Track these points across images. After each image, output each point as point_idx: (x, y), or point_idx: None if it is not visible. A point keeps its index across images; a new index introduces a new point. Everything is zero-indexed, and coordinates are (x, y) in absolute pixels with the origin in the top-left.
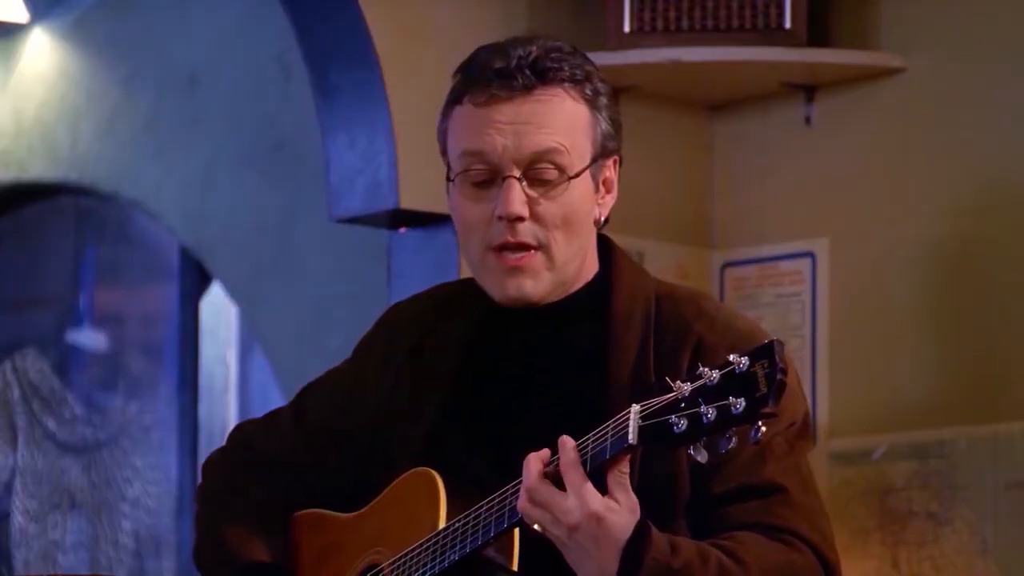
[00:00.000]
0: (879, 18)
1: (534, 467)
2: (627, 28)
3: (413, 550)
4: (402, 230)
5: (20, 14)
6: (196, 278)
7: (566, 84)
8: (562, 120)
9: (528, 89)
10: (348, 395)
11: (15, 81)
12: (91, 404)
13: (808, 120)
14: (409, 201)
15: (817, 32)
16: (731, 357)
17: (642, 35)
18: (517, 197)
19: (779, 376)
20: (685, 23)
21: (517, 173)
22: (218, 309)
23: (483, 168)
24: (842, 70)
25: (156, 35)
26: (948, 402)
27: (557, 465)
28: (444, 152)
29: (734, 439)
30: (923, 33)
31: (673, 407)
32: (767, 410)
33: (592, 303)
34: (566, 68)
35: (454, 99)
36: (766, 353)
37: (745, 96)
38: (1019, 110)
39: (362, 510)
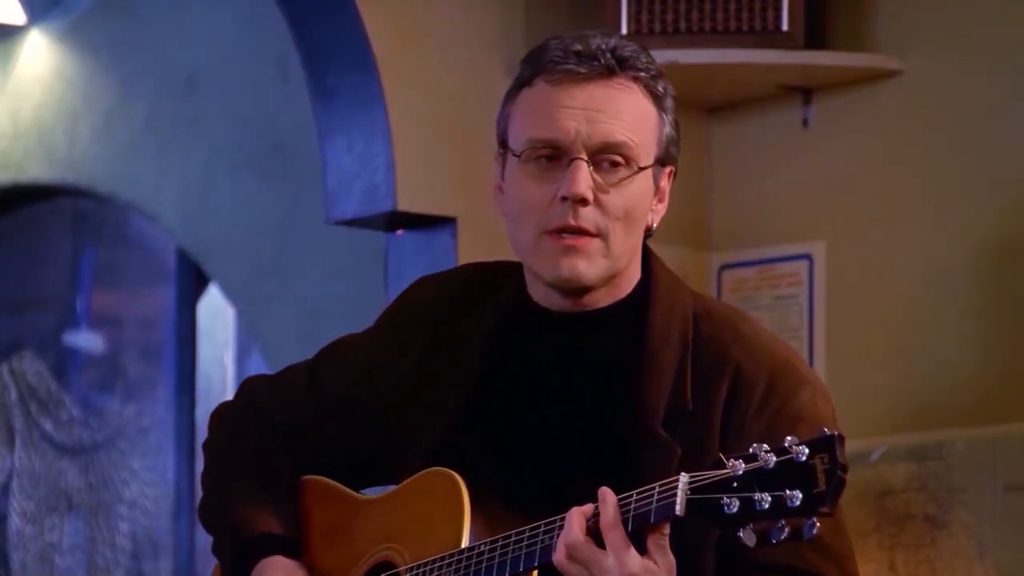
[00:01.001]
0: (876, 20)
1: (576, 524)
2: (624, 30)
3: (433, 562)
4: (399, 232)
5: (17, 16)
6: (193, 280)
7: (642, 76)
8: (633, 113)
9: (608, 73)
10: (364, 370)
11: (12, 83)
12: (88, 406)
13: (805, 122)
14: (406, 203)
15: (814, 34)
16: (788, 442)
17: (639, 37)
18: (584, 179)
19: (839, 473)
20: (682, 25)
21: (585, 156)
22: (216, 311)
23: (550, 150)
24: (839, 72)
25: (154, 37)
26: (946, 404)
27: (597, 519)
28: (503, 141)
29: (787, 529)
30: (920, 35)
31: (725, 486)
32: (824, 510)
33: (627, 315)
34: (643, 60)
35: (523, 82)
36: (826, 446)
37: (742, 98)
38: (1017, 112)
39: (377, 496)
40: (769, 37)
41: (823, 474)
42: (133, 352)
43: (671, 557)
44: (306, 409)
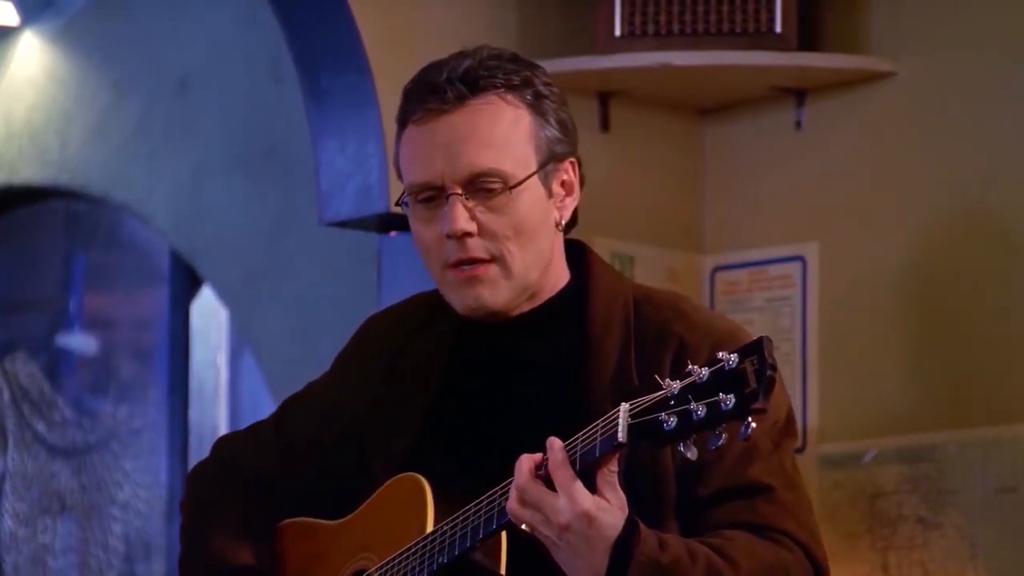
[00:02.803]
0: (869, 22)
1: (526, 467)
2: (617, 32)
3: (401, 554)
4: (392, 234)
5: (10, 17)
6: (187, 282)
7: (501, 91)
8: (499, 130)
9: (461, 100)
10: (327, 408)
11: (5, 84)
12: (81, 408)
13: (798, 124)
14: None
15: (807, 36)
16: (720, 354)
17: (632, 39)
18: (461, 214)
19: (769, 372)
20: (675, 27)
21: (459, 190)
22: (208, 313)
23: (428, 192)
24: (832, 74)
25: (147, 39)
26: (938, 406)
27: (546, 467)
28: (400, 176)
29: (724, 435)
30: (913, 37)
31: (662, 405)
32: (757, 405)
33: (568, 310)
34: (500, 75)
35: (401, 121)
36: (755, 350)
37: (736, 100)
38: (1010, 114)
39: (348, 517)
40: (762, 39)
41: (753, 375)
42: (126, 354)
43: (622, 495)
44: (278, 457)
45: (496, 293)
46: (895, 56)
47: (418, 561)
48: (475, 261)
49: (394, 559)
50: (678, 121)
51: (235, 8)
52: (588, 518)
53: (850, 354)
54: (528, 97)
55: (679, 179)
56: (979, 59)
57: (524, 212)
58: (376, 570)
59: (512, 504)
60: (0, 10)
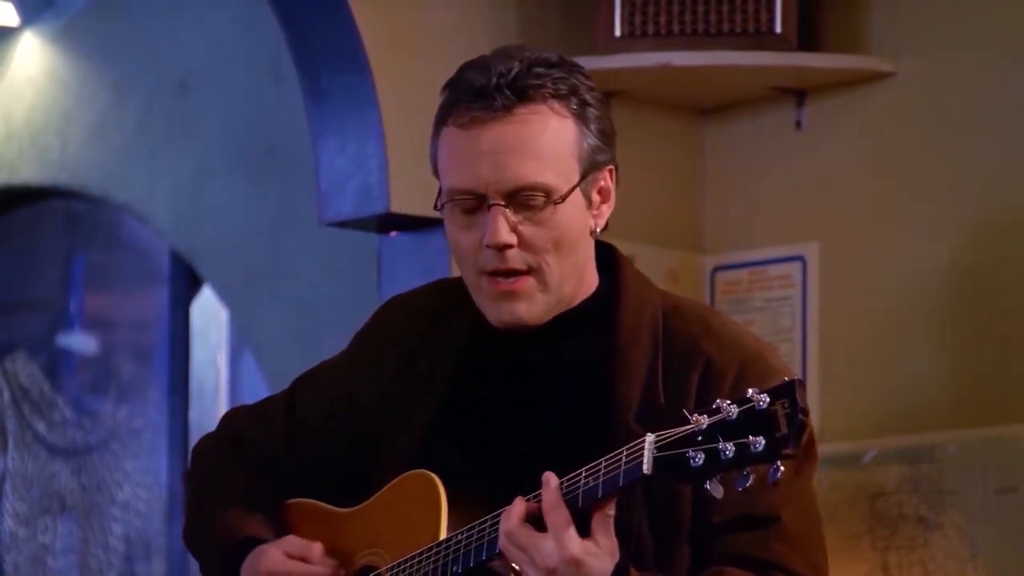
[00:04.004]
0: (869, 22)
1: (515, 510)
2: (617, 32)
3: (413, 558)
4: (392, 234)
5: (10, 17)
6: (187, 282)
7: (550, 100)
8: (546, 142)
9: (508, 109)
10: (340, 392)
11: (5, 84)
12: (81, 408)
13: (798, 124)
14: (399, 205)
15: (807, 36)
16: (750, 392)
17: (632, 39)
18: (503, 226)
19: (800, 417)
20: (676, 27)
21: (502, 201)
22: (209, 313)
23: (469, 198)
24: (832, 74)
25: (147, 39)
26: (939, 406)
27: (539, 501)
28: (436, 173)
29: (752, 476)
30: (913, 37)
31: (690, 440)
32: (788, 452)
33: (595, 316)
34: (549, 84)
35: (441, 119)
36: (786, 392)
37: (736, 100)
38: (1009, 114)
39: (358, 507)
40: (762, 39)
41: (784, 418)
42: (126, 354)
43: (614, 539)
44: (287, 438)
45: (533, 307)
46: (895, 56)
47: (431, 567)
48: (512, 273)
49: (405, 561)
50: (678, 121)
51: (235, 8)
52: (576, 563)
53: (850, 354)
54: (574, 106)
55: (679, 179)
56: (979, 59)
57: (564, 224)
58: (387, 570)
59: (502, 542)
60: (0, 10)
